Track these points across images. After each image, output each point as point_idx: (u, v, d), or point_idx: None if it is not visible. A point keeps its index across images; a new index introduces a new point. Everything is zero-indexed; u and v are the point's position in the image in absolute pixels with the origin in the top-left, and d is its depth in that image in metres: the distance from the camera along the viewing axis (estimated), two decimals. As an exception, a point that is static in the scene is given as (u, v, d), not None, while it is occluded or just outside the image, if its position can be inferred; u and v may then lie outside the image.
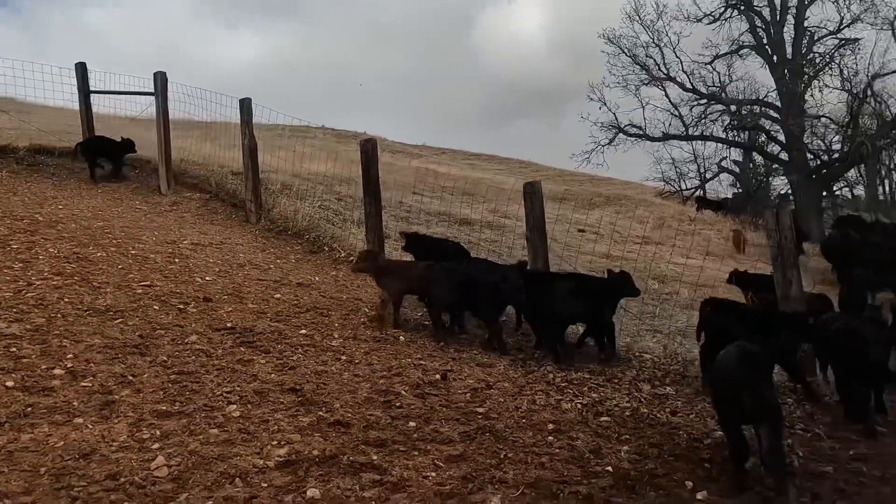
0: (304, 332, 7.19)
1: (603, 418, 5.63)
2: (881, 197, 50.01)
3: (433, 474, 4.26)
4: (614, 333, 7.85)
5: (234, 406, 5.03)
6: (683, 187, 42.48)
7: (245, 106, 13.39)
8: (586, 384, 6.57)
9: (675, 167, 45.68)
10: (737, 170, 42.92)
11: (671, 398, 6.46)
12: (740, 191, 40.15)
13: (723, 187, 44.42)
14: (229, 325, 6.98)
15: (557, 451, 4.84)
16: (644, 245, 18.66)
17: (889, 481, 4.85)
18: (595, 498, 4.17)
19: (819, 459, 5.22)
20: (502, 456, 4.63)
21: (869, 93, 30.09)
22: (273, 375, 5.77)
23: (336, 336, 7.21)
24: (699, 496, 4.36)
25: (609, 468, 4.61)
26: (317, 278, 9.83)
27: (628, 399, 6.24)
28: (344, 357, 6.53)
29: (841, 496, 4.55)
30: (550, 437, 5.07)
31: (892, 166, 44.60)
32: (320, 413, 5.07)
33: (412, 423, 5.07)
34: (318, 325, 7.55)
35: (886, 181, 52.50)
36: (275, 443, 4.51)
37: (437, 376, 6.21)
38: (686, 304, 12.55)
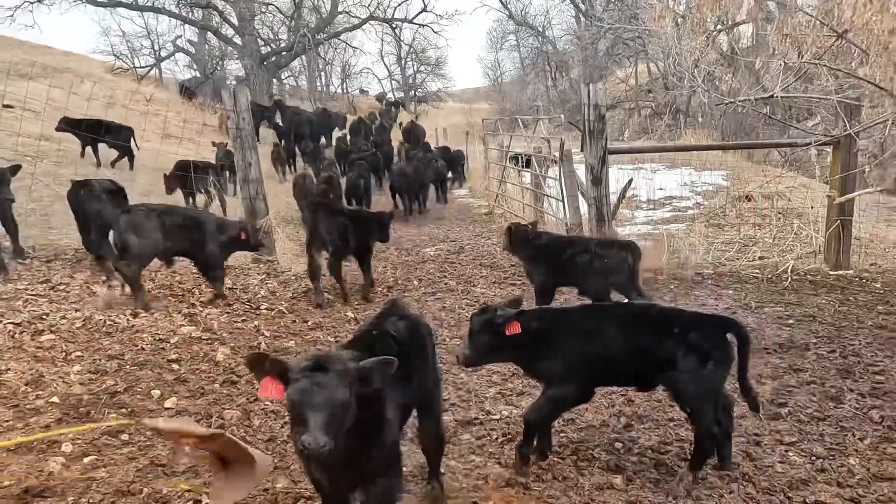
0: None
1: (45, 337, 4.60)
2: (319, 87, 56.63)
3: None
4: None
5: None
6: (138, 64, 39.27)
7: None
8: (21, 298, 5.29)
9: (128, 41, 41.61)
10: (192, 50, 41.82)
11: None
12: (197, 73, 39.45)
13: (179, 68, 42.83)
14: None
15: (-23, 393, 3.70)
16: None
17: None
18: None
19: (283, 335, 5.43)
20: None
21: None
22: None
23: None
24: (168, 403, 3.95)
25: (55, 398, 3.76)
26: None
27: (78, 307, 5.28)
28: None
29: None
30: (-35, 379, 3.84)
31: (328, 60, 50.59)
32: None
33: None
34: None
35: (323, 73, 59.54)
36: None
37: None
38: (144, 191, 11.63)
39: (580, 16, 49.73)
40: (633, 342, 3.40)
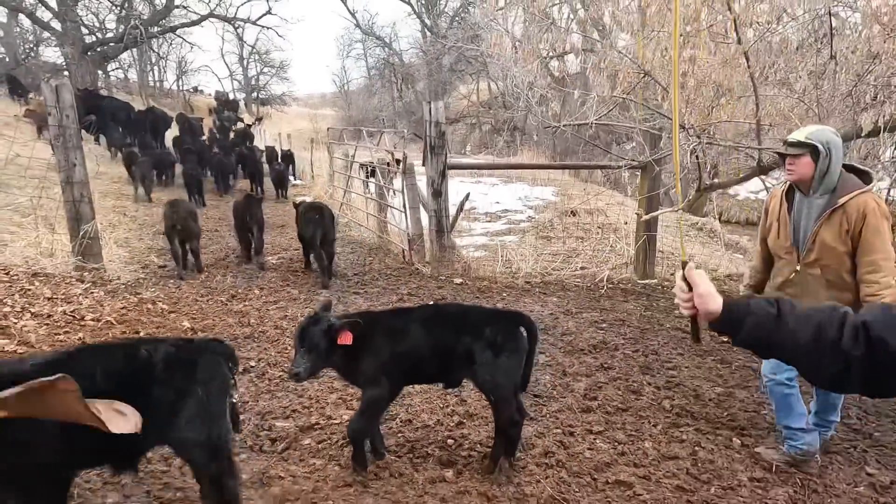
0: None
1: None
2: (151, 83, 53.02)
3: None
4: None
5: None
6: (-72, 43, 34.38)
7: None
8: None
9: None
10: (1, 33, 37.34)
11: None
12: (6, 58, 35.28)
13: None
14: None
15: None
16: None
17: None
18: None
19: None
20: None
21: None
22: None
23: None
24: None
25: None
26: None
27: None
28: None
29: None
30: None
31: (161, 55, 47.46)
32: None
33: None
34: None
35: (156, 68, 55.78)
36: None
37: None
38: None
39: (426, 31, 51.11)
40: (435, 339, 3.64)
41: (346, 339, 3.48)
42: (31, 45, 33.52)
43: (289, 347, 5.58)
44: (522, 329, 3.69)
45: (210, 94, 60.22)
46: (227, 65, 61.91)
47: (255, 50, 53.65)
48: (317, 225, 7.98)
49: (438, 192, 8.24)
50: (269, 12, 33.26)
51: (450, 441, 4.14)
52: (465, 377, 3.76)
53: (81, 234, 6.95)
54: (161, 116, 23.90)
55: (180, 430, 2.71)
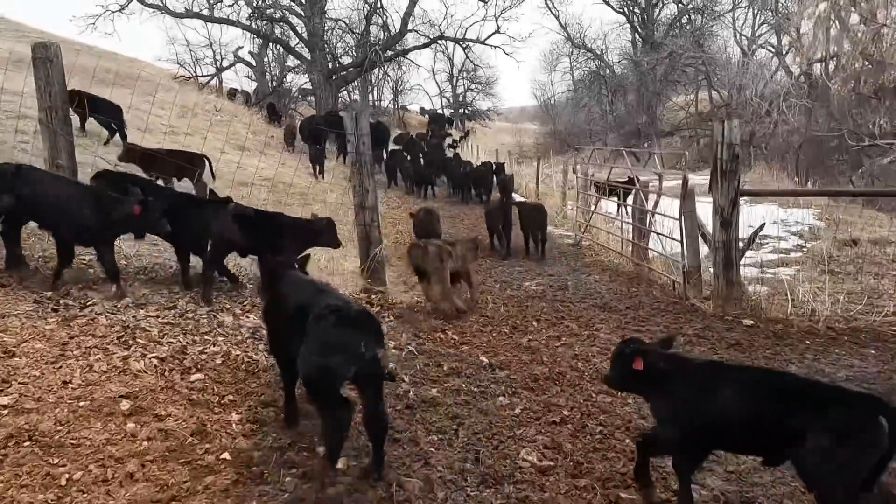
0: None
1: (195, 376, 4.30)
2: (371, 101, 56.91)
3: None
4: None
5: None
6: (199, 73, 40.09)
7: None
8: (154, 327, 5.02)
9: (191, 50, 42.50)
10: (253, 62, 42.45)
11: (263, 329, 5.47)
12: (258, 85, 40.00)
13: (238, 77, 43.73)
14: None
15: (146, 444, 3.40)
16: (173, 135, 16.63)
17: None
18: (222, 511, 2.99)
19: (423, 381, 5.06)
20: (64, 480, 2.96)
21: (379, 5, 32.90)
22: None
23: None
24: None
25: (226, 455, 3.44)
26: None
27: (213, 341, 5.00)
28: None
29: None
30: (131, 424, 3.54)
31: (383, 74, 50.88)
32: None
33: None
34: None
35: (376, 88, 59.93)
36: None
37: None
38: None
39: (636, 40, 49.31)
40: (757, 408, 3.14)
41: (637, 364, 3.50)
42: (285, 72, 37.60)
43: (594, 394, 5.14)
44: (884, 421, 2.84)
45: (416, 112, 63.48)
46: (437, 83, 64.80)
47: (469, 63, 55.05)
48: (534, 218, 11.15)
49: (728, 223, 7.37)
50: (497, 31, 33.84)
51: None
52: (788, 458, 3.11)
53: (371, 257, 7.16)
54: (386, 130, 26.02)
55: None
